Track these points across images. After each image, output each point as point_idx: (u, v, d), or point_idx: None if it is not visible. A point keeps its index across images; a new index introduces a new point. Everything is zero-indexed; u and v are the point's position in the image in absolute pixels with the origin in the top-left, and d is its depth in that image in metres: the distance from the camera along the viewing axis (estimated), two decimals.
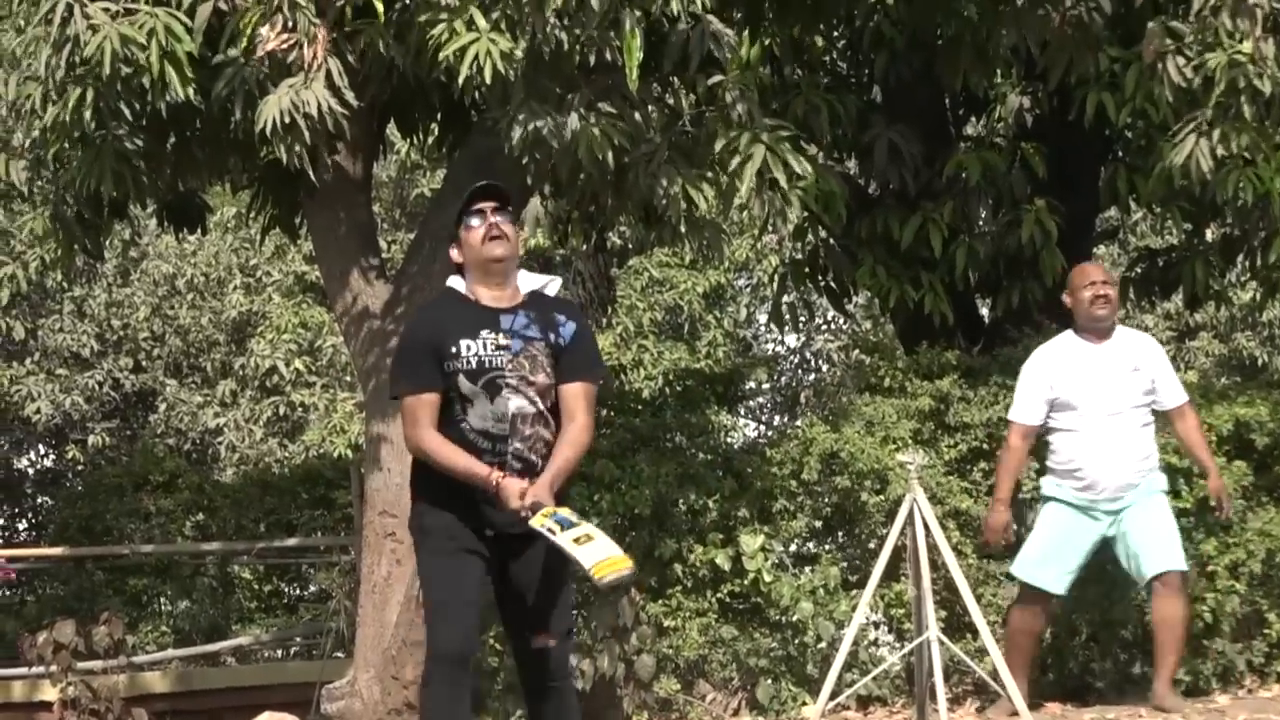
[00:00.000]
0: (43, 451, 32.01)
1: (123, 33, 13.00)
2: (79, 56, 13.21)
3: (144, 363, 33.80)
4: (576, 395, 9.63)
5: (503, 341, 9.54)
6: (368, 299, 15.04)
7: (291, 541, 20.67)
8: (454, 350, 9.53)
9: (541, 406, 9.55)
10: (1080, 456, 13.96)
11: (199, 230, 17.19)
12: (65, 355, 31.82)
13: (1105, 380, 14.03)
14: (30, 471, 31.95)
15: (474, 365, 9.51)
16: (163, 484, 21.08)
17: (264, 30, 12.98)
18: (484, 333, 9.53)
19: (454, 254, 9.84)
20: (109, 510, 21.00)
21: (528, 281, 9.79)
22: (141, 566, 21.04)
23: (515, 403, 9.52)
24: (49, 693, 17.73)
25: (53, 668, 16.42)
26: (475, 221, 9.66)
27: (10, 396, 29.06)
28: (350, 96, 13.08)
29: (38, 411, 29.43)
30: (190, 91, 13.15)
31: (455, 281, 9.88)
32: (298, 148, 12.95)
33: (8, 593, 22.88)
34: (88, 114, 13.36)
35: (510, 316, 9.58)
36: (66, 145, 14.05)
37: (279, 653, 21.49)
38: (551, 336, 9.59)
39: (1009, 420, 14.29)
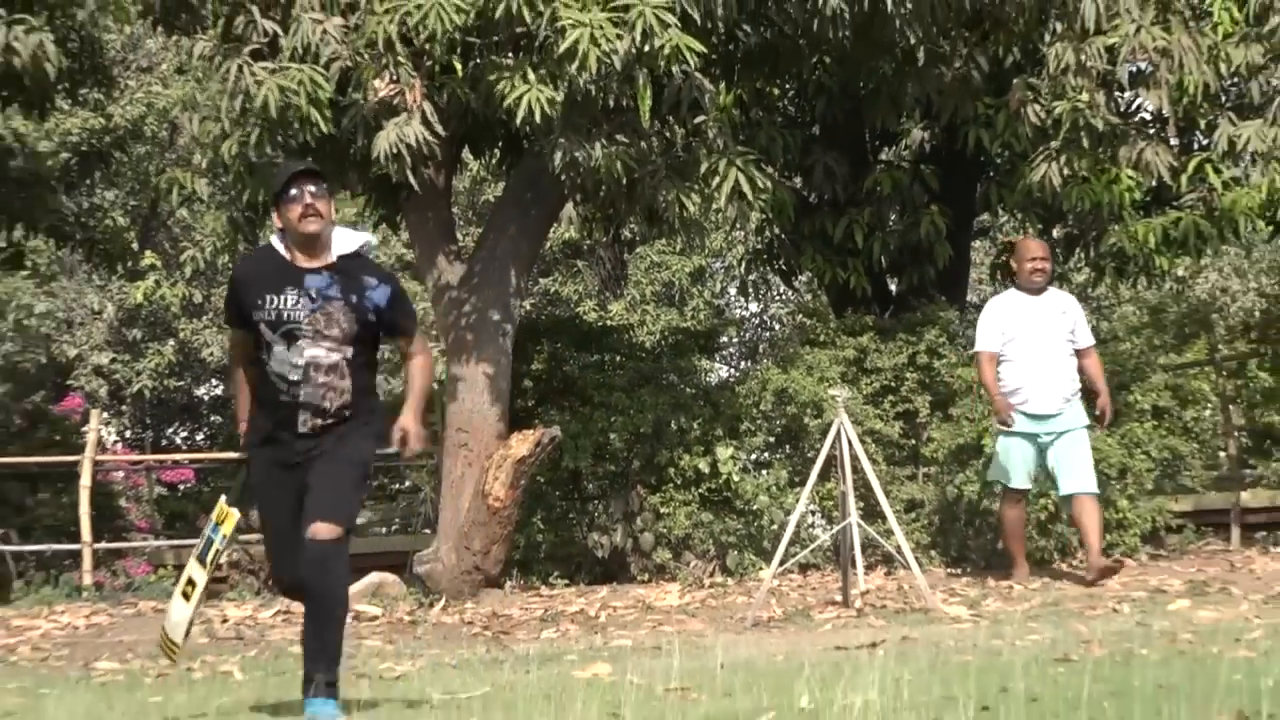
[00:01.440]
0: (214, 383, 32.10)
1: (280, 84, 13.29)
2: (250, 104, 13.50)
3: None
4: (405, 345, 8.56)
5: (300, 300, 8.23)
6: (448, 276, 15.41)
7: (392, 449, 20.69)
8: (258, 302, 8.29)
9: (338, 358, 8.24)
10: (1022, 377, 14.15)
11: None
12: None
13: (1040, 322, 14.24)
14: (205, 398, 32.02)
15: (273, 317, 8.25)
16: None
17: (376, 82, 13.30)
18: (288, 289, 8.26)
19: (275, 219, 8.49)
20: None
21: (344, 241, 8.44)
22: None
23: (310, 352, 8.22)
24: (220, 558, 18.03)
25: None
26: (294, 197, 8.30)
27: (192, 343, 29.08)
28: (438, 129, 13.43)
29: (210, 354, 29.46)
30: (328, 127, 13.38)
31: (276, 240, 8.55)
32: (399, 167, 13.33)
33: (190, 486, 22.90)
34: (258, 145, 13.67)
35: (315, 276, 8.27)
36: (241, 168, 14.29)
37: (382, 529, 21.32)
38: (354, 298, 8.29)
39: (977, 351, 14.47)
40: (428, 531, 18.00)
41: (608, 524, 15.88)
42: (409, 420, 8.28)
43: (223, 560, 8.65)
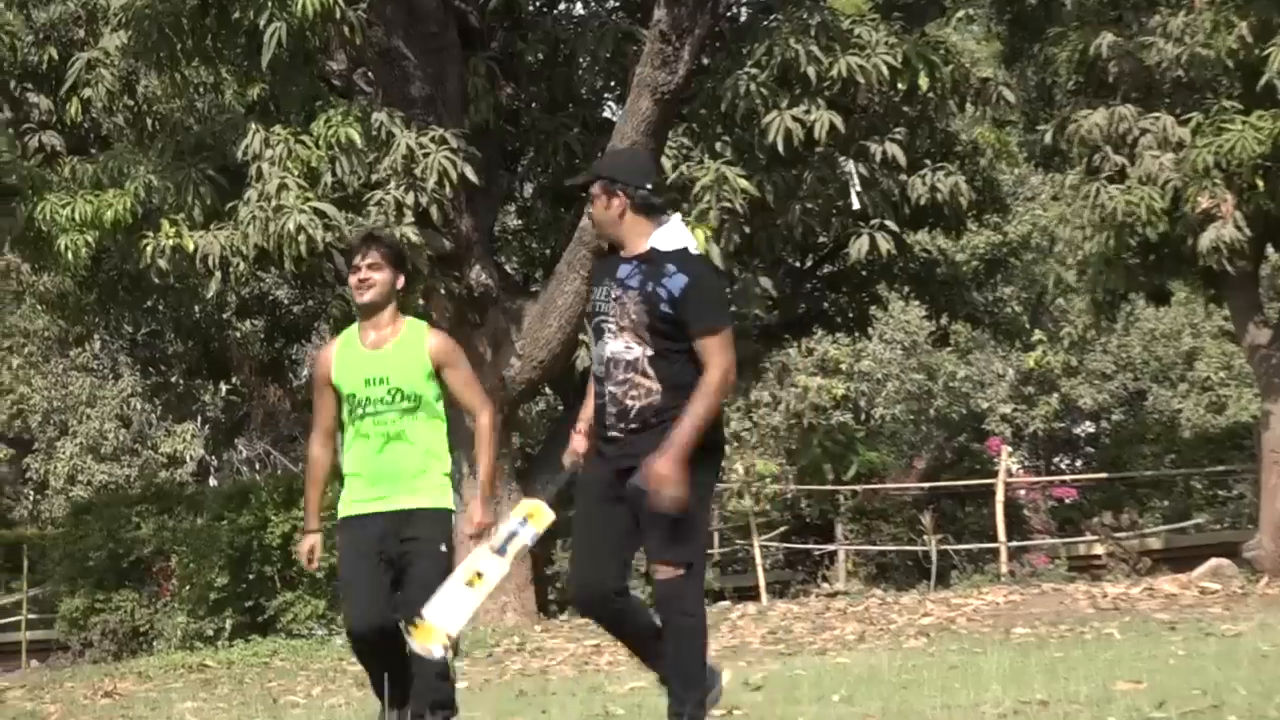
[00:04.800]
0: (1087, 424, 31.66)
1: (1127, 199, 14.83)
2: (1103, 214, 14.99)
3: None
4: (701, 347, 6.04)
5: (610, 290, 6.21)
6: (1258, 338, 16.21)
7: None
8: (592, 295, 6.41)
9: (637, 353, 6.10)
10: None
11: None
12: None
13: None
14: (1081, 435, 31.29)
15: (592, 308, 6.34)
16: None
17: (1200, 198, 14.58)
18: (606, 279, 6.25)
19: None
20: None
21: (671, 236, 6.22)
22: None
23: (611, 346, 6.16)
24: (1097, 549, 19.43)
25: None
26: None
27: (1070, 395, 29.51)
28: (1246, 231, 14.62)
29: (1084, 402, 30.08)
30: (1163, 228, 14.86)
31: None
32: (1218, 259, 14.67)
33: (1073, 501, 22.93)
34: (1114, 244, 15.34)
35: (626, 265, 6.19)
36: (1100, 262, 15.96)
37: (1217, 525, 20.96)
38: (649, 286, 6.11)
39: None
40: (1251, 526, 18.02)
41: None
42: (657, 460, 5.94)
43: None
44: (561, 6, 18.17)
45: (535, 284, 17.70)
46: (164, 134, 16.27)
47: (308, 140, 14.09)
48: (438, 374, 6.91)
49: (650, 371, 6.10)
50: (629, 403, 6.11)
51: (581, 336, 15.42)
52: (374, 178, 14.23)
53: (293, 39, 13.72)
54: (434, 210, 13.99)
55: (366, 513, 6.87)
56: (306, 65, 15.34)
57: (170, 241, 14.49)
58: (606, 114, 17.98)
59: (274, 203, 13.80)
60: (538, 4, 17.50)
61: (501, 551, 6.41)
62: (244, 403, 20.97)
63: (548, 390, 19.51)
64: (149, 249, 14.56)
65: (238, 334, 20.07)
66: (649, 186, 6.28)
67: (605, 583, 6.18)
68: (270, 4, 13.51)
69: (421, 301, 14.79)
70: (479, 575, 6.39)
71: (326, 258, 14.03)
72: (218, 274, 14.37)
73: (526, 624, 15.11)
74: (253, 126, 14.42)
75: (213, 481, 29.31)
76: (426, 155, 13.89)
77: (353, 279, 6.92)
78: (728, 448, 21.61)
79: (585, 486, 6.29)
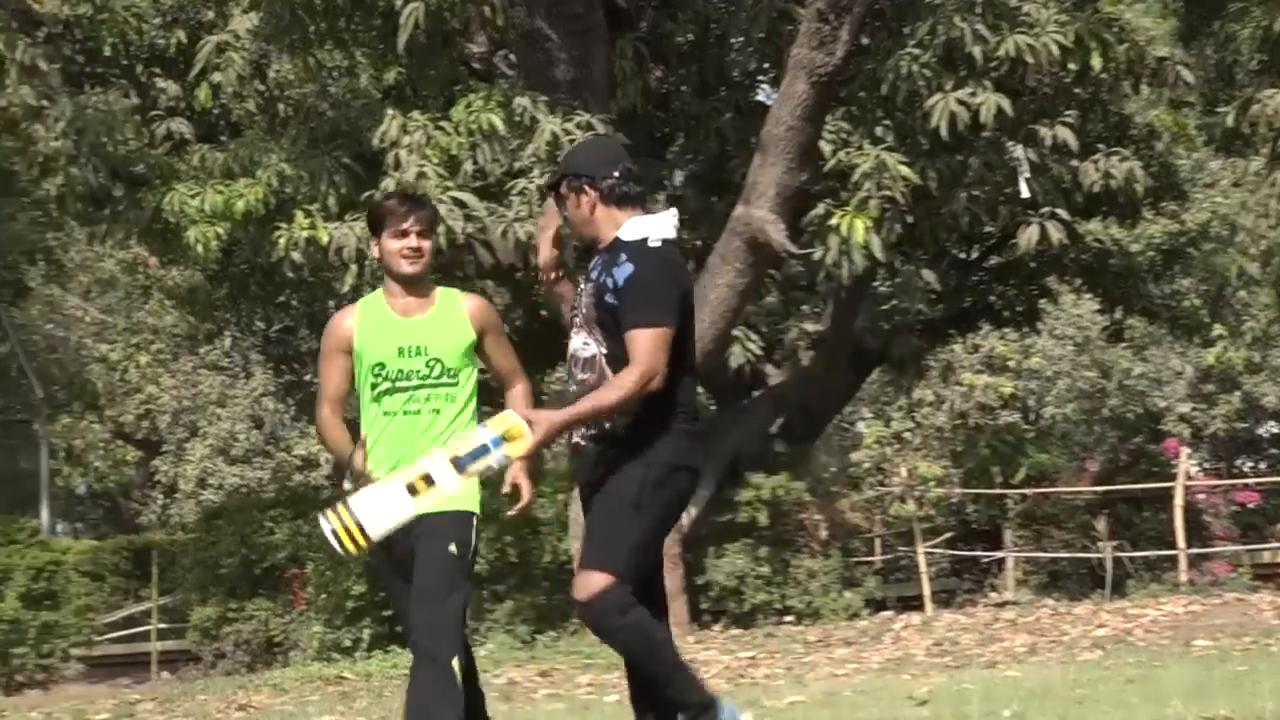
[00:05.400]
0: (1271, 424, 31.27)
1: None
2: None
3: None
4: (629, 343, 5.74)
5: (584, 282, 6.01)
6: None
7: None
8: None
9: (593, 351, 5.88)
10: None
11: None
12: None
13: None
14: (1265, 435, 30.53)
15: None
16: None
17: None
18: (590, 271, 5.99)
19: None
20: None
21: (641, 226, 5.94)
22: None
23: (573, 343, 6.00)
24: None
25: None
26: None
27: (1253, 393, 29.16)
28: None
29: (1270, 401, 29.59)
30: None
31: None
32: None
33: (1256, 505, 23.19)
34: None
35: (597, 256, 5.97)
36: None
37: None
38: (602, 277, 5.86)
39: None
40: None
41: None
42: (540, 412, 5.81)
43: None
44: None
45: None
46: (297, 120, 16.49)
47: (447, 126, 14.22)
48: (478, 345, 6.40)
49: (608, 372, 5.85)
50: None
51: (735, 332, 15.47)
52: (516, 165, 14.33)
53: (431, 20, 13.89)
54: None
55: None
56: (445, 48, 15.51)
57: (304, 233, 14.70)
58: (760, 97, 17.98)
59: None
60: None
61: (461, 467, 5.75)
62: None
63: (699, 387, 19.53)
64: (282, 241, 14.78)
65: None
66: (617, 174, 6.02)
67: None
68: None
69: None
70: (426, 482, 5.79)
71: (467, 249, 14.15)
72: (354, 267, 14.55)
73: (679, 634, 15.10)
74: (389, 112, 14.58)
75: (347, 485, 29.72)
76: (572, 141, 13.96)
77: (395, 246, 6.36)
78: (887, 449, 22.05)
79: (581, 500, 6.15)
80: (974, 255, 19.70)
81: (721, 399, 18.81)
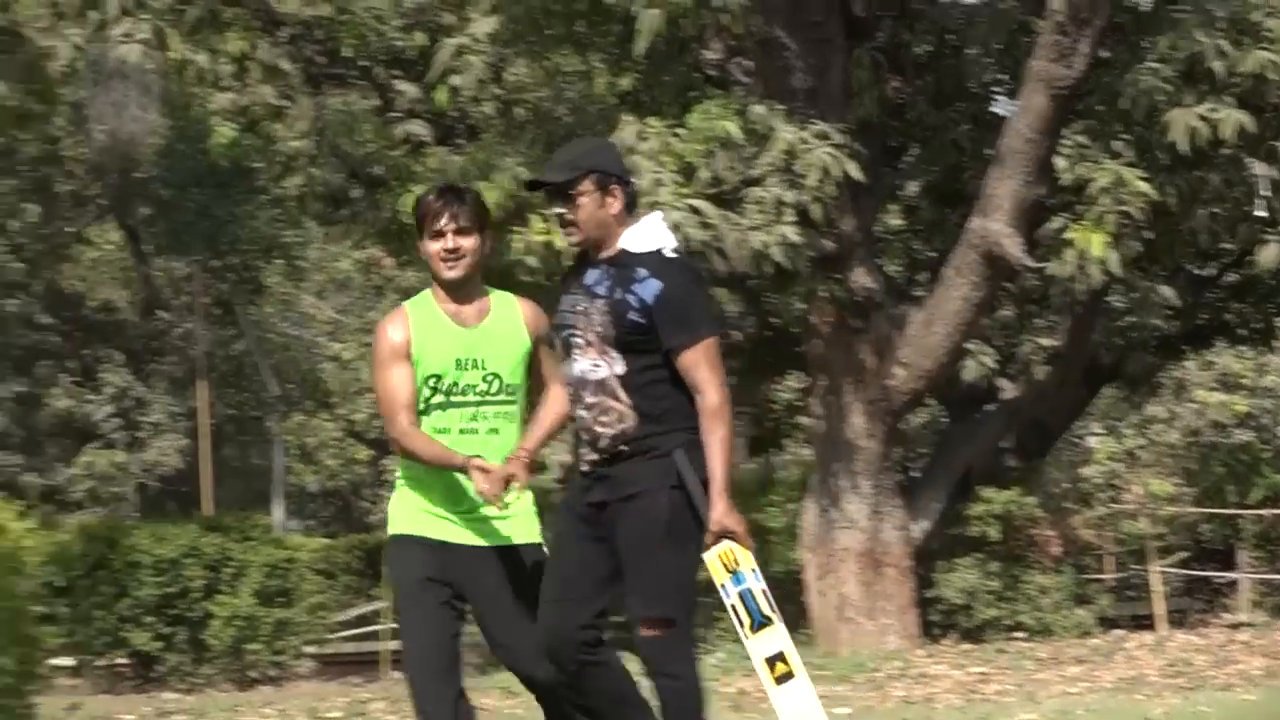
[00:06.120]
0: None
1: None
2: None
3: None
4: (684, 365, 5.63)
5: (577, 300, 5.73)
6: None
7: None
8: (559, 307, 5.86)
9: (605, 373, 5.64)
10: None
11: None
12: None
13: None
14: None
15: (559, 321, 5.83)
16: None
17: None
18: (573, 288, 5.77)
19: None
20: None
21: (646, 236, 5.75)
22: None
23: (579, 365, 5.71)
24: None
25: None
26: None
27: None
28: None
29: None
30: None
31: None
32: None
33: None
34: None
35: (594, 270, 5.72)
36: None
37: None
38: (617, 293, 5.62)
39: None
40: None
41: None
42: (710, 518, 5.55)
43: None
44: None
45: (918, 288, 17.76)
46: (533, 125, 16.69)
47: (683, 133, 14.36)
48: (531, 354, 5.88)
49: (620, 394, 5.61)
50: (599, 429, 5.64)
51: (969, 345, 15.48)
52: (751, 174, 14.43)
53: (668, 26, 13.99)
54: (815, 209, 14.13)
55: (434, 538, 5.85)
56: (681, 54, 15.62)
57: (539, 237, 14.88)
58: (997, 109, 17.91)
59: (648, 199, 14.07)
60: None
61: (759, 623, 5.45)
62: None
63: (930, 401, 19.55)
64: (517, 244, 14.99)
65: None
66: (631, 181, 5.83)
67: (571, 630, 5.58)
68: None
69: (802, 305, 14.93)
70: (783, 663, 5.43)
71: (701, 257, 14.29)
72: None
73: (909, 647, 15.23)
74: (626, 118, 14.74)
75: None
76: (808, 151, 14.04)
77: (434, 248, 5.80)
78: (1118, 466, 21.79)
79: (561, 518, 5.82)
80: (1211, 272, 19.43)
81: (954, 412, 18.80)
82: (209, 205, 27.91)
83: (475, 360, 5.79)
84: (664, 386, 5.57)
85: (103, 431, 33.49)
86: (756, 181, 14.31)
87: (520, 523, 5.81)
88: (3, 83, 16.29)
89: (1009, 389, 17.89)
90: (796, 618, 15.70)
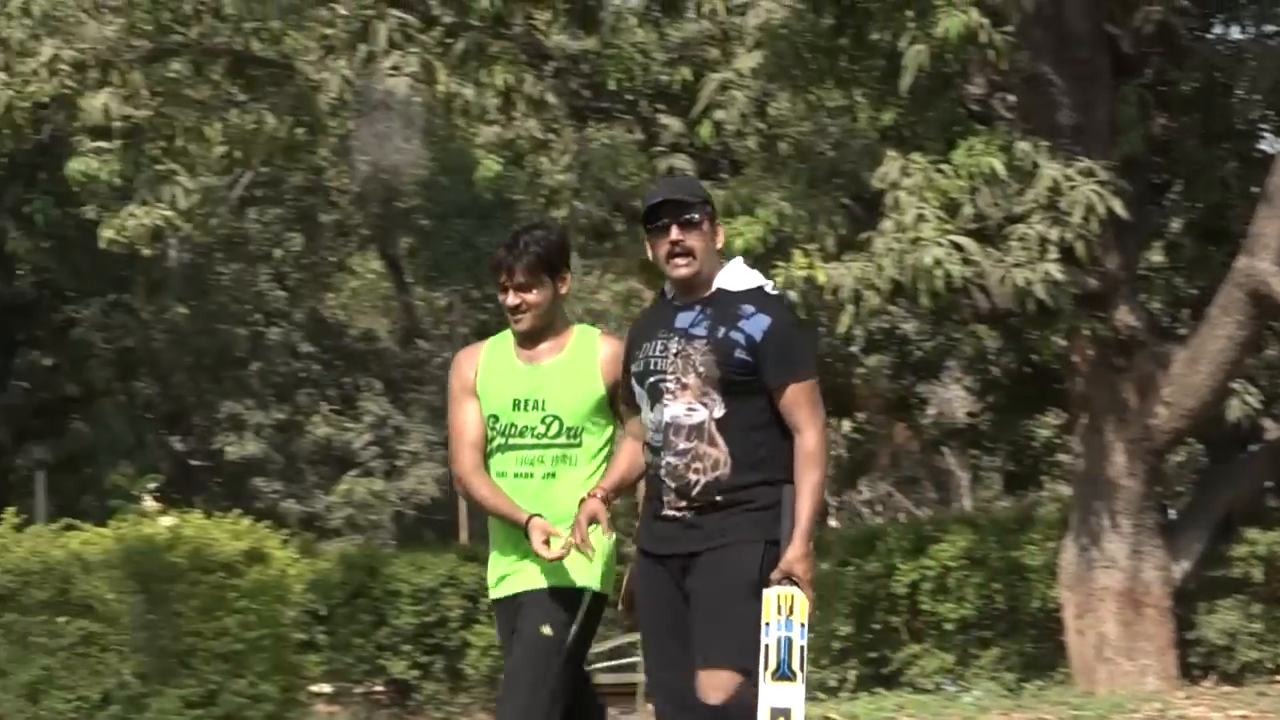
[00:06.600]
0: None
1: None
2: None
3: None
4: (786, 406, 5.58)
5: (669, 343, 5.63)
6: None
7: None
8: (635, 354, 5.73)
9: (702, 417, 5.51)
10: None
11: None
12: None
13: None
14: None
15: (641, 367, 5.66)
16: None
17: None
18: (660, 332, 5.67)
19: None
20: None
21: (737, 276, 5.74)
22: None
23: (671, 410, 5.55)
24: None
25: None
26: (659, 229, 5.68)
27: None
28: None
29: None
30: None
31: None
32: None
33: None
34: None
35: (687, 313, 5.64)
36: None
37: None
38: (721, 331, 5.56)
39: None
40: None
41: None
42: (787, 552, 5.48)
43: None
44: (1217, 30, 17.99)
45: (1180, 325, 17.61)
46: (796, 159, 16.84)
47: (947, 169, 14.44)
48: (609, 396, 5.76)
49: (718, 439, 5.50)
50: (691, 476, 5.52)
51: (1233, 385, 15.34)
52: (1015, 210, 14.46)
53: (932, 62, 14.09)
54: (1079, 246, 14.12)
55: (500, 596, 5.87)
56: (945, 90, 15.69)
57: (802, 272, 15.03)
58: (1264, 146, 17.74)
59: (911, 234, 14.17)
60: (1193, 29, 17.39)
61: (786, 674, 5.34)
62: (868, 441, 21.41)
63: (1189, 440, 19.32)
64: (780, 279, 15.14)
65: (863, 369, 20.56)
66: None
67: (690, 694, 5.46)
68: (911, 25, 13.87)
69: (1064, 342, 14.90)
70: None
71: (964, 293, 14.35)
72: (850, 308, 14.82)
73: (1168, 689, 15.06)
74: (890, 153, 14.86)
75: (832, 523, 30.07)
76: (1073, 187, 14.03)
77: (504, 301, 5.84)
78: None
79: (644, 576, 5.71)
80: None
81: (1216, 452, 18.57)
82: (470, 236, 28.46)
83: (535, 401, 5.76)
84: (761, 433, 5.51)
85: (361, 459, 34.16)
86: (1020, 218, 14.30)
87: (576, 566, 5.72)
88: (272, 115, 16.67)
89: (1274, 429, 17.66)
90: (1054, 656, 15.71)
